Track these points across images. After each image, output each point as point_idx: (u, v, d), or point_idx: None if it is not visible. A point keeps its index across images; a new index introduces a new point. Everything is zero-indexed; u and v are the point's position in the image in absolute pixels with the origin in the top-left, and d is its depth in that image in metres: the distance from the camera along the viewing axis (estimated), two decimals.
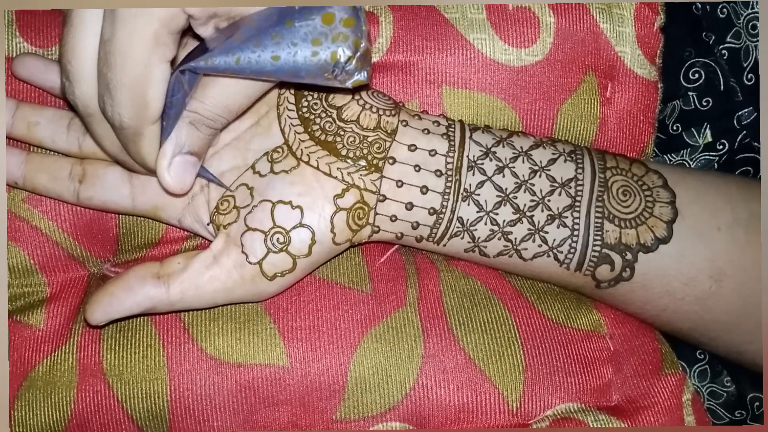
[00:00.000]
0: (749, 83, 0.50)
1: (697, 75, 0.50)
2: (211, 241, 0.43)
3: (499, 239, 0.41)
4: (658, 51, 0.47)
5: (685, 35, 0.50)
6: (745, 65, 0.50)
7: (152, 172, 0.38)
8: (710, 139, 0.51)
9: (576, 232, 0.41)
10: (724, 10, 0.50)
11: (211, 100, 0.37)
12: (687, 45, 0.50)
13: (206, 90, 0.37)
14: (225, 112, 0.37)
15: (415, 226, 0.41)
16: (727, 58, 0.50)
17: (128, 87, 0.33)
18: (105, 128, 0.37)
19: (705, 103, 0.51)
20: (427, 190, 0.40)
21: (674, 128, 0.52)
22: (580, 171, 0.42)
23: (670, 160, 0.52)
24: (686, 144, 0.52)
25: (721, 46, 0.50)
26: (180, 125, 0.37)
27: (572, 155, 0.42)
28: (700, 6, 0.50)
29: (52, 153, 0.44)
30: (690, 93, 0.51)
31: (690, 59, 0.50)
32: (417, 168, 0.40)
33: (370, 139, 0.40)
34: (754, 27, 0.49)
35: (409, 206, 0.40)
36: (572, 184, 0.42)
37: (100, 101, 0.35)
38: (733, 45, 0.50)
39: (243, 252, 0.40)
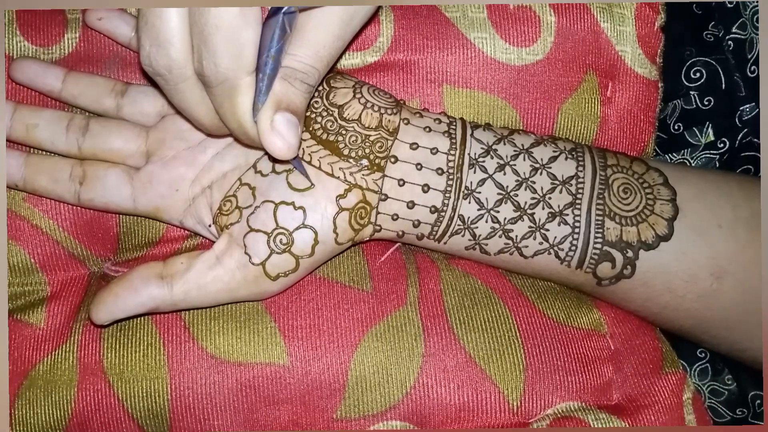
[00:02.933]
0: (752, 75, 0.50)
1: (698, 74, 0.50)
2: (212, 241, 0.43)
3: (500, 237, 0.41)
4: (659, 50, 0.47)
5: (686, 34, 0.50)
6: (748, 57, 0.50)
7: (249, 136, 0.36)
8: (712, 138, 0.51)
9: (577, 230, 0.41)
10: (732, 1, 0.50)
11: (302, 50, 0.35)
12: (688, 44, 0.50)
13: (296, 40, 0.35)
14: (317, 61, 0.36)
15: (417, 224, 0.41)
16: (732, 48, 0.50)
17: (224, 30, 0.32)
18: (199, 92, 0.35)
19: (706, 102, 0.51)
20: (429, 188, 0.40)
21: (676, 127, 0.52)
22: (580, 169, 0.42)
23: (671, 160, 0.52)
24: (688, 143, 0.52)
25: (728, 37, 0.50)
26: (274, 83, 0.35)
27: (573, 153, 0.42)
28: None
29: (51, 155, 0.44)
30: (691, 92, 0.51)
31: (691, 58, 0.50)
32: (419, 166, 0.40)
33: (372, 138, 0.40)
34: (759, 20, 0.49)
35: (411, 205, 0.40)
36: (573, 181, 0.42)
37: (194, 57, 0.33)
38: (739, 36, 0.50)
39: (246, 253, 0.40)
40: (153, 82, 0.36)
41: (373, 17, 0.41)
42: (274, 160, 0.41)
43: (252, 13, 0.32)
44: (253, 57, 0.33)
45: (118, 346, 0.42)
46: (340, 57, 0.40)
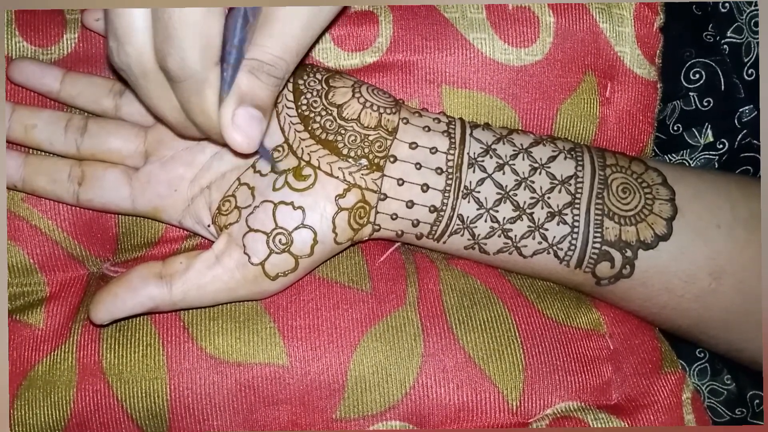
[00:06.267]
0: (749, 78, 0.50)
1: (697, 75, 0.51)
2: (212, 241, 0.43)
3: (499, 236, 0.41)
4: (658, 51, 0.47)
5: (685, 35, 0.51)
6: (745, 60, 0.50)
7: (216, 132, 0.36)
8: (711, 139, 0.51)
9: (576, 229, 0.41)
10: (726, 5, 0.50)
11: (269, 41, 0.34)
12: (687, 45, 0.51)
13: (263, 31, 0.34)
14: (285, 52, 0.35)
15: (416, 223, 0.41)
16: (727, 53, 0.50)
17: (190, 24, 0.31)
18: (162, 88, 0.35)
19: (706, 104, 0.51)
20: (428, 187, 0.40)
21: (675, 128, 0.52)
22: (579, 168, 0.42)
23: (671, 160, 0.52)
24: (687, 144, 0.52)
25: (723, 41, 0.50)
26: (239, 76, 0.34)
27: (572, 153, 0.42)
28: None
29: (50, 155, 0.44)
30: (691, 93, 0.51)
31: (690, 59, 0.51)
32: (418, 166, 0.40)
33: (371, 138, 0.40)
34: (757, 24, 0.49)
35: (410, 204, 0.40)
36: (572, 181, 0.42)
37: (158, 53, 0.32)
38: (735, 40, 0.50)
39: (245, 253, 0.40)
40: (122, 79, 0.36)
41: (344, 9, 0.41)
42: (238, 153, 0.40)
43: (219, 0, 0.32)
44: (219, 49, 0.33)
45: (117, 347, 0.42)
46: (313, 49, 0.39)
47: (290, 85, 0.42)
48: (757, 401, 0.51)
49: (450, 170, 0.41)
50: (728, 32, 0.50)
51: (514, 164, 0.41)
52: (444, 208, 0.41)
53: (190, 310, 0.43)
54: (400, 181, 0.40)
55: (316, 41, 0.38)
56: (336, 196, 0.40)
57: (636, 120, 0.48)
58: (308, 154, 0.40)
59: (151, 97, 0.35)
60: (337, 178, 0.40)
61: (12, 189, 0.44)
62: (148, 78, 0.34)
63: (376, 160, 0.40)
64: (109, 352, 0.42)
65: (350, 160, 0.40)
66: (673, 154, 0.52)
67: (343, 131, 0.40)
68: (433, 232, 0.42)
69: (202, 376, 0.42)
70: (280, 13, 0.35)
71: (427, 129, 0.41)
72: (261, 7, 0.34)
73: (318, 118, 0.41)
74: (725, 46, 0.50)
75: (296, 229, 0.40)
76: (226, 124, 0.34)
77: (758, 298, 0.41)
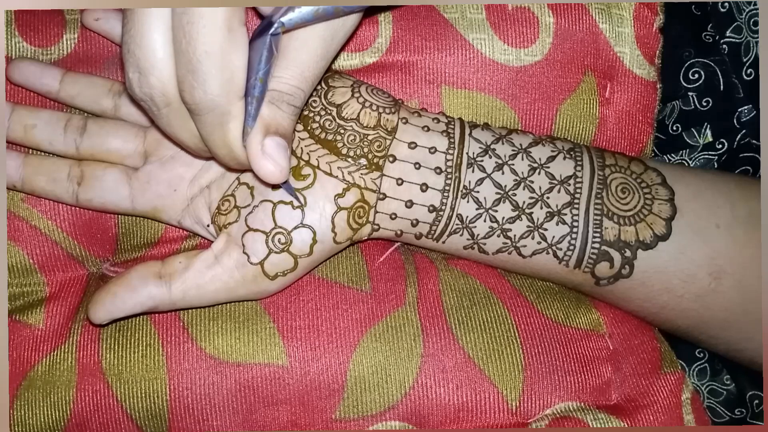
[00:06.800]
0: (748, 78, 0.50)
1: (696, 75, 0.51)
2: (211, 241, 0.43)
3: (498, 236, 0.41)
4: (657, 51, 0.47)
5: (684, 35, 0.51)
6: (744, 60, 0.50)
7: (239, 162, 0.36)
8: (710, 139, 0.51)
9: (575, 229, 0.41)
10: (726, 4, 0.50)
11: (286, 72, 0.35)
12: (687, 45, 0.51)
13: (279, 63, 0.35)
14: (302, 82, 0.35)
15: (415, 223, 0.41)
16: (726, 52, 0.50)
17: (213, 55, 0.31)
18: (184, 119, 0.35)
19: (705, 104, 0.51)
20: (427, 187, 0.40)
21: (674, 128, 0.52)
22: (579, 168, 0.42)
23: (670, 160, 0.52)
24: (686, 144, 0.52)
25: (722, 41, 0.50)
26: (260, 108, 0.35)
27: (571, 153, 0.42)
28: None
29: (50, 155, 0.44)
30: (690, 93, 0.51)
31: (690, 59, 0.51)
32: (417, 165, 0.40)
33: (370, 138, 0.40)
34: (756, 23, 0.49)
35: (409, 204, 0.40)
36: (571, 181, 0.42)
37: (180, 85, 0.32)
38: (734, 40, 0.50)
39: (244, 252, 0.40)
40: (140, 107, 0.36)
41: (354, 34, 0.42)
42: (265, 184, 0.40)
43: (240, 36, 0.32)
44: (243, 82, 0.33)
45: (116, 347, 0.42)
46: (332, 62, 0.40)
47: None
48: (757, 401, 0.51)
49: (449, 170, 0.41)
50: (727, 32, 0.50)
51: (513, 164, 0.41)
52: (443, 207, 0.41)
53: (190, 311, 0.43)
54: (399, 181, 0.40)
55: (330, 66, 0.38)
56: (335, 196, 0.40)
57: (635, 120, 0.48)
58: (307, 153, 0.40)
59: (173, 126, 0.35)
60: (337, 177, 0.40)
61: (12, 189, 0.44)
62: (171, 108, 0.34)
63: (375, 160, 0.40)
64: (109, 352, 0.42)
65: (349, 159, 0.40)
66: (673, 155, 0.52)
67: (342, 131, 0.40)
68: (433, 232, 0.42)
69: (202, 376, 0.42)
70: (295, 43, 0.35)
71: (426, 129, 0.41)
72: (281, 37, 0.34)
73: (317, 118, 0.41)
74: (724, 45, 0.50)
75: (295, 228, 0.40)
76: (257, 155, 0.34)
77: (758, 297, 0.41)
